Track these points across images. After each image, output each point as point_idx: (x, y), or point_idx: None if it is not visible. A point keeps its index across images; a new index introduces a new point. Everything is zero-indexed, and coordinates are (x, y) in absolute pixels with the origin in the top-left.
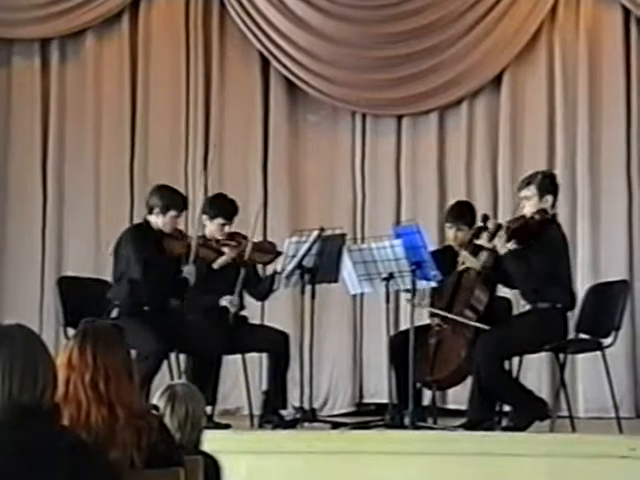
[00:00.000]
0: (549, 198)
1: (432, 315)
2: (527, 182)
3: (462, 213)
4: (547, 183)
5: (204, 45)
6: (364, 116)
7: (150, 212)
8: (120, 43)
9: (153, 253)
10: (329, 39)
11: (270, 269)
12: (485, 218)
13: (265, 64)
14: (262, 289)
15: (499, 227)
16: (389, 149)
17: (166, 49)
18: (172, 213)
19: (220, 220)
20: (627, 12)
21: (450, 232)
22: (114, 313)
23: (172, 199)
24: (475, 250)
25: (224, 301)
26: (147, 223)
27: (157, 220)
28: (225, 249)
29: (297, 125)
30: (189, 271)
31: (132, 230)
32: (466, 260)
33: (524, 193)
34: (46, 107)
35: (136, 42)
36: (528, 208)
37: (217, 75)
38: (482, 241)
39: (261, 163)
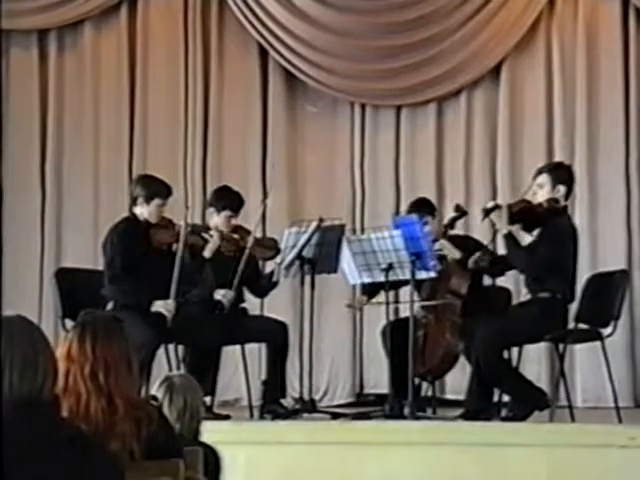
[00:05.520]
0: (561, 188)
1: (422, 308)
2: (541, 170)
3: (420, 206)
4: (561, 173)
5: (203, 36)
6: (363, 106)
7: (135, 203)
8: (119, 34)
9: (139, 248)
10: (328, 29)
11: (269, 266)
12: (458, 208)
13: (264, 55)
14: (262, 286)
15: (496, 206)
16: (388, 139)
17: (165, 40)
18: (156, 202)
19: (227, 212)
20: (625, 2)
21: None
22: (109, 306)
23: (155, 187)
24: (452, 240)
25: (218, 295)
26: (134, 215)
27: (142, 210)
28: (212, 235)
29: (296, 115)
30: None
31: (117, 226)
32: (444, 248)
33: (538, 180)
34: (44, 98)
35: (135, 33)
36: (540, 196)
37: (216, 66)
38: (456, 231)
39: (260, 154)
